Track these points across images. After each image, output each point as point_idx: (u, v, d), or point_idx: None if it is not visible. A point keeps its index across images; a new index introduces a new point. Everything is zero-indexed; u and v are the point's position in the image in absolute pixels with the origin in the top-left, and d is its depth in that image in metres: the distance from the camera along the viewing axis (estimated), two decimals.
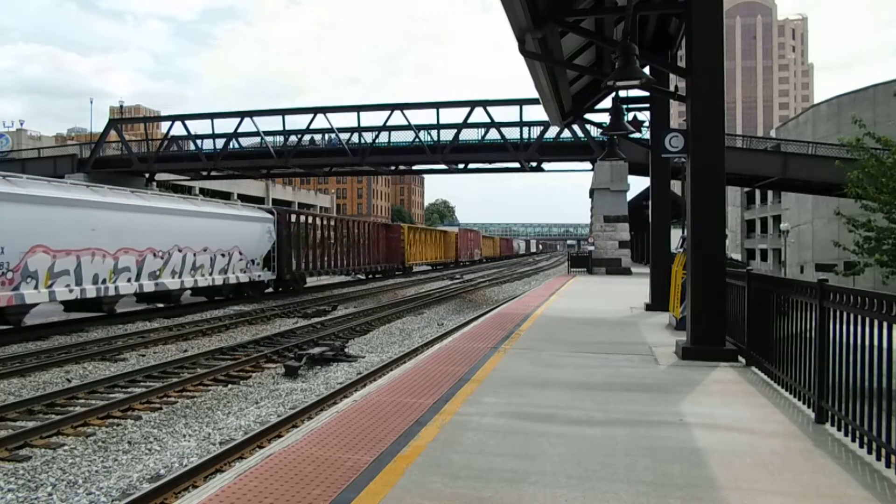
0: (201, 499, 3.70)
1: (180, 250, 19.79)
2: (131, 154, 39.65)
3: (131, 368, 11.39)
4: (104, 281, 16.77)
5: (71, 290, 15.83)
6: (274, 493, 3.76)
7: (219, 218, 22.26)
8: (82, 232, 16.13)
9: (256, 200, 64.43)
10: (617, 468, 4.15)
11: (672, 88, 11.12)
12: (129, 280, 17.69)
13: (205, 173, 41.64)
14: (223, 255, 21.98)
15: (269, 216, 25.91)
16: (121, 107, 72.50)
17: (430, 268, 54.03)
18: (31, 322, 15.96)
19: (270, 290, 26.72)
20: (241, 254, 22.96)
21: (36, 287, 14.87)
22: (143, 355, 13.30)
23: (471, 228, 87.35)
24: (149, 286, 18.53)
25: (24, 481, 6.23)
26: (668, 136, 8.95)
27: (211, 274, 21.53)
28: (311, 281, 32.00)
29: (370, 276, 39.36)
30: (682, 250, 10.66)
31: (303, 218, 29.64)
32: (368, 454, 4.42)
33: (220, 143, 37.87)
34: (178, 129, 38.98)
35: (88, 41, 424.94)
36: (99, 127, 48.46)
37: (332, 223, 33.27)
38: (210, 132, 38.41)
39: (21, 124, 62.91)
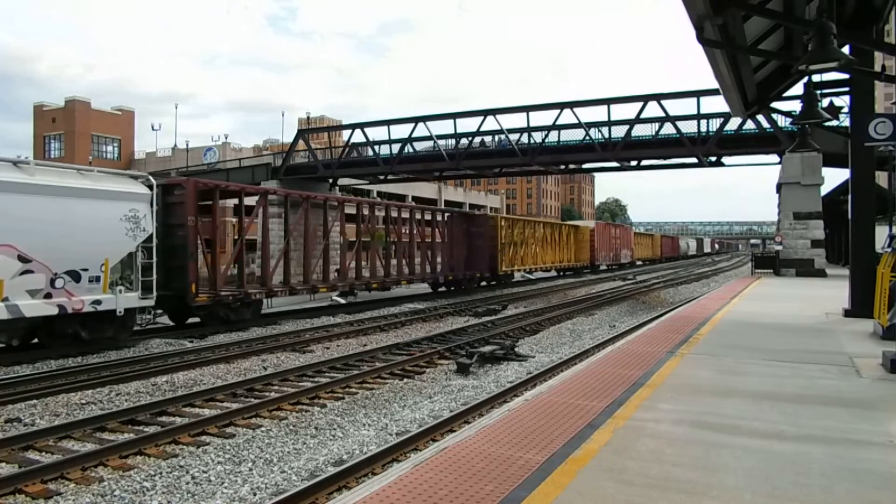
0: (381, 485, 3.92)
1: None
2: (317, 161, 42.83)
3: (317, 360, 12.31)
4: None
5: None
6: (448, 485, 3.88)
7: None
8: None
9: (430, 202, 66.18)
10: (812, 489, 3.80)
11: (878, 69, 9.96)
12: None
13: (382, 177, 43.97)
14: None
15: (139, 191, 14.11)
16: (307, 118, 78.51)
17: (555, 274, 44.35)
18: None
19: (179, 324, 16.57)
20: (23, 261, 11.92)
21: None
22: (328, 348, 14.33)
23: (618, 224, 72.48)
24: None
25: (229, 455, 7.00)
26: (874, 122, 8.06)
27: None
28: (283, 302, 21.05)
29: (438, 289, 29.53)
30: (889, 250, 9.58)
31: (276, 200, 18.79)
32: (540, 454, 4.41)
33: (395, 147, 39.84)
34: (357, 137, 41.53)
35: (282, 61, 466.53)
36: (289, 137, 52.90)
37: (335, 206, 21.20)
38: (386, 138, 40.53)
39: (226, 138, 70.23)
